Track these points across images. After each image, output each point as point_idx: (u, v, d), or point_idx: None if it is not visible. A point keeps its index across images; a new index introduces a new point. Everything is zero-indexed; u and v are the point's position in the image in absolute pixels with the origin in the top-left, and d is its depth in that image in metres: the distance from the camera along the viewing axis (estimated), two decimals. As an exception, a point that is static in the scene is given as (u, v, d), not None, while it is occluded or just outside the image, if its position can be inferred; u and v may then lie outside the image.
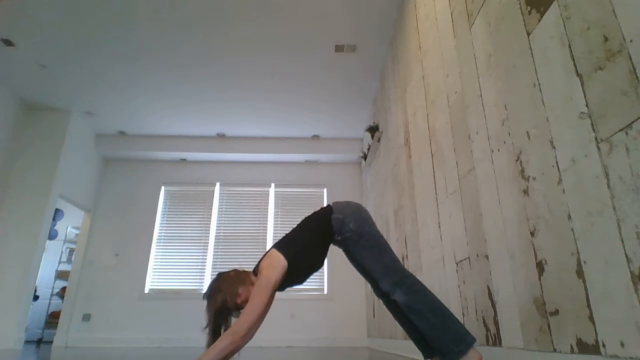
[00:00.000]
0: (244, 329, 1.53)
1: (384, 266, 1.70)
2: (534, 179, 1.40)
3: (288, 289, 1.90)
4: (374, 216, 4.58)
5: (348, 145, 5.91)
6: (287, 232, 1.83)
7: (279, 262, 1.67)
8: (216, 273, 1.76)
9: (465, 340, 1.54)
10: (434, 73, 2.52)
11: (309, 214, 1.88)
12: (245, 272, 1.76)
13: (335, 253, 5.53)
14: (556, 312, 1.26)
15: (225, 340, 1.51)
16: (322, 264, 1.84)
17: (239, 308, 1.66)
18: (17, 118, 4.88)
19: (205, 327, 1.63)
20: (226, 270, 1.77)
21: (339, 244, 1.83)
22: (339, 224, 1.78)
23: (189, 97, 4.89)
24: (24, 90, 4.71)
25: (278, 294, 1.84)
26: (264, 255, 1.73)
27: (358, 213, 1.81)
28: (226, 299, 1.63)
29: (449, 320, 1.58)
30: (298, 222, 1.86)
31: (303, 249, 1.75)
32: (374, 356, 3.23)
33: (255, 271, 1.72)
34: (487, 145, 1.76)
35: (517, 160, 1.51)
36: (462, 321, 2.03)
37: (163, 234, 5.75)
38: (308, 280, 1.88)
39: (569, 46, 1.21)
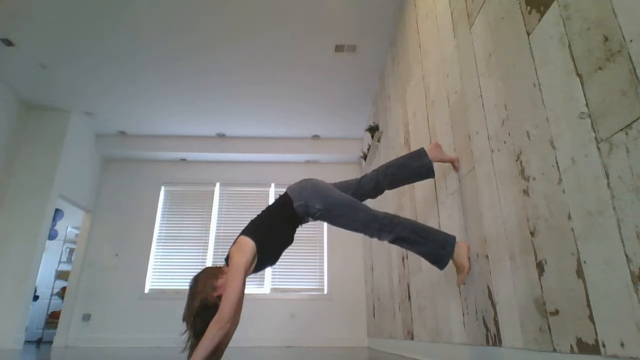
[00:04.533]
0: (227, 314, 1.63)
1: (362, 223, 1.84)
2: (534, 179, 1.40)
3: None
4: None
5: (348, 145, 5.91)
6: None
7: (248, 245, 1.78)
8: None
9: (448, 242, 1.78)
10: (434, 73, 2.52)
11: (270, 204, 2.00)
12: (215, 267, 1.85)
13: (335, 253, 5.54)
14: (556, 312, 1.26)
15: (212, 328, 1.61)
16: (291, 241, 1.99)
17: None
18: (17, 118, 4.88)
19: (184, 332, 1.70)
20: (198, 272, 1.84)
21: (314, 220, 1.95)
22: (304, 209, 1.90)
23: (189, 97, 4.89)
24: (24, 90, 4.71)
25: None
26: (233, 243, 1.82)
27: (316, 191, 1.91)
28: (205, 298, 1.71)
29: (430, 233, 1.81)
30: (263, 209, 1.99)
31: (270, 231, 1.88)
32: (374, 356, 3.23)
33: (227, 259, 1.80)
34: (487, 145, 1.76)
35: (517, 160, 1.51)
36: (462, 321, 2.03)
37: (163, 234, 5.75)
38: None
39: (569, 46, 1.21)
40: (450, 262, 1.81)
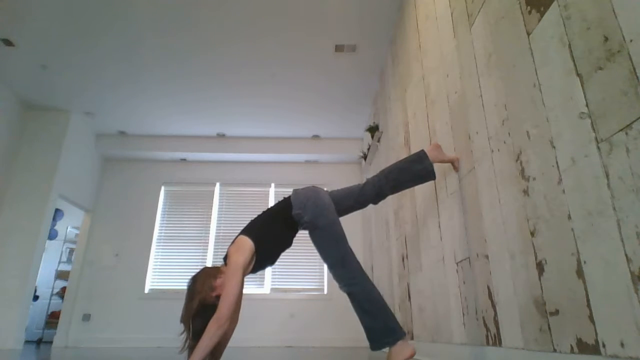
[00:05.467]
0: (226, 312, 1.64)
1: (334, 258, 1.84)
2: (534, 179, 1.40)
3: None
4: (374, 216, 4.58)
5: (348, 145, 5.91)
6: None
7: (246, 245, 1.80)
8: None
9: (394, 334, 1.70)
10: (434, 73, 2.52)
11: (271, 206, 2.04)
12: (213, 267, 1.87)
13: (335, 253, 5.53)
14: (556, 312, 1.26)
15: (212, 327, 1.62)
16: (290, 244, 2.01)
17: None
18: (17, 118, 4.88)
19: (182, 333, 1.71)
20: (196, 272, 1.87)
21: (302, 229, 1.98)
22: (298, 218, 1.93)
23: (189, 97, 4.89)
24: (24, 90, 4.71)
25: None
26: (232, 242, 1.84)
27: (315, 204, 1.92)
28: (204, 298, 1.73)
29: (384, 312, 1.74)
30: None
31: (269, 232, 1.90)
32: (374, 356, 3.23)
33: (225, 258, 1.82)
34: (487, 145, 1.76)
35: (517, 160, 1.51)
36: (462, 321, 2.03)
37: (163, 234, 5.75)
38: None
39: (569, 46, 1.21)
40: (386, 350, 1.75)
